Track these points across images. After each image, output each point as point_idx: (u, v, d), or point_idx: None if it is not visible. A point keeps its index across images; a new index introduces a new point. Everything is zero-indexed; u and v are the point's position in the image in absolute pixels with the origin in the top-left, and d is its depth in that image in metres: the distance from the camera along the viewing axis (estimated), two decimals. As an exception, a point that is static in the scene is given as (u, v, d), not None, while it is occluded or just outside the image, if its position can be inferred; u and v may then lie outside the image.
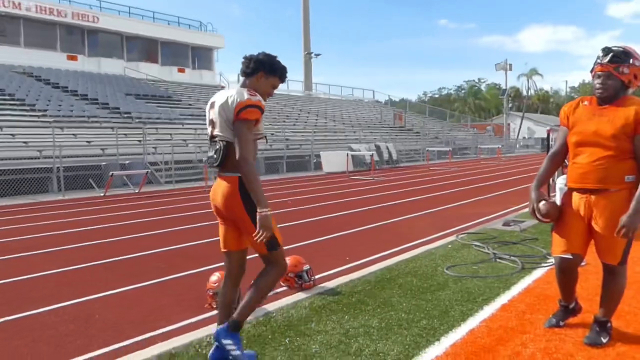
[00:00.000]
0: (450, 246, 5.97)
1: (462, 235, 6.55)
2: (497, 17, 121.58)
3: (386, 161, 22.50)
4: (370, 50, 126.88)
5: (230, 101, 2.66)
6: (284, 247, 2.85)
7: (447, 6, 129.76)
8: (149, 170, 14.46)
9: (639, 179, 2.79)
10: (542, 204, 3.00)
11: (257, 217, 2.59)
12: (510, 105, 56.40)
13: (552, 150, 3.16)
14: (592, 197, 2.86)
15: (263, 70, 2.79)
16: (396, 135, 31.14)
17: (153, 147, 17.25)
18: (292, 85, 41.32)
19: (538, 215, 3.02)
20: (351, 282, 4.52)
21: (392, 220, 8.20)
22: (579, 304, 3.33)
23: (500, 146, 33.06)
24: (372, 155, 18.14)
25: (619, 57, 2.76)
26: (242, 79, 2.90)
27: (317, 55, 45.97)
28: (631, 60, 2.76)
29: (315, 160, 21.03)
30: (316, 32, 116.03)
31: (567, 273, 3.06)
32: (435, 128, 39.01)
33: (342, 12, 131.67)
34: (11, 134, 15.83)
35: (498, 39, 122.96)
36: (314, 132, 24.62)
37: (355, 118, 35.53)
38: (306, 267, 4.36)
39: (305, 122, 29.53)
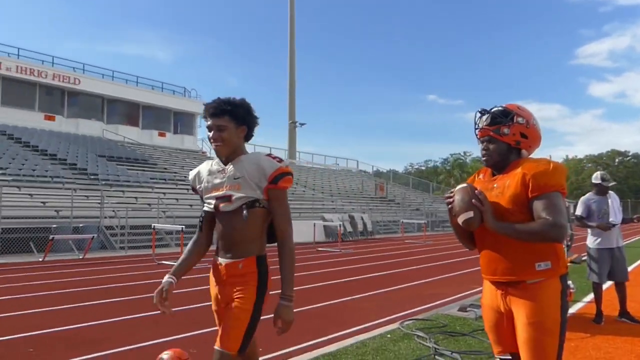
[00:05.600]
0: (389, 336, 5.14)
1: (407, 322, 5.73)
2: (484, 94, 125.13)
3: (360, 232, 21.72)
4: (359, 121, 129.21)
5: None
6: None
7: (437, 83, 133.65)
8: (94, 235, 13.53)
9: (557, 266, 2.22)
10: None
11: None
12: (493, 179, 56.43)
13: None
14: (510, 290, 2.27)
15: None
16: (375, 206, 30.56)
17: (112, 211, 16.42)
18: (276, 153, 41.26)
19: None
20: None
21: (336, 300, 7.32)
22: None
23: (481, 220, 32.44)
24: (340, 226, 17.38)
25: (497, 117, 2.35)
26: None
27: (301, 124, 46.28)
28: (514, 119, 2.32)
29: (287, 229, 20.21)
30: (304, 102, 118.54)
31: None
32: (418, 200, 38.58)
33: (332, 84, 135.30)
34: (-40, 192, 14.98)
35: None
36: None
37: (336, 187, 35.08)
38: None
39: (283, 189, 28.92)
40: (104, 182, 19.91)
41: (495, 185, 2.32)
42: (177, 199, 20.26)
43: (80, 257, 12.33)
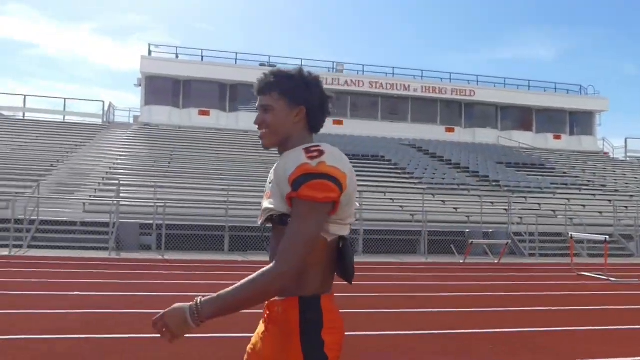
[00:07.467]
0: None
1: None
2: None
3: None
4: None
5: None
6: None
7: None
8: (509, 241, 13.89)
9: None
10: None
11: None
12: None
13: None
14: None
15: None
16: None
17: (519, 217, 16.65)
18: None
19: None
20: None
21: None
22: None
23: None
24: None
25: None
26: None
27: None
28: None
29: None
30: None
31: None
32: None
33: None
34: (390, 199, 17.91)
35: None
36: None
37: None
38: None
39: None
40: (506, 189, 20.40)
41: None
42: (583, 205, 18.96)
43: (495, 261, 12.91)
